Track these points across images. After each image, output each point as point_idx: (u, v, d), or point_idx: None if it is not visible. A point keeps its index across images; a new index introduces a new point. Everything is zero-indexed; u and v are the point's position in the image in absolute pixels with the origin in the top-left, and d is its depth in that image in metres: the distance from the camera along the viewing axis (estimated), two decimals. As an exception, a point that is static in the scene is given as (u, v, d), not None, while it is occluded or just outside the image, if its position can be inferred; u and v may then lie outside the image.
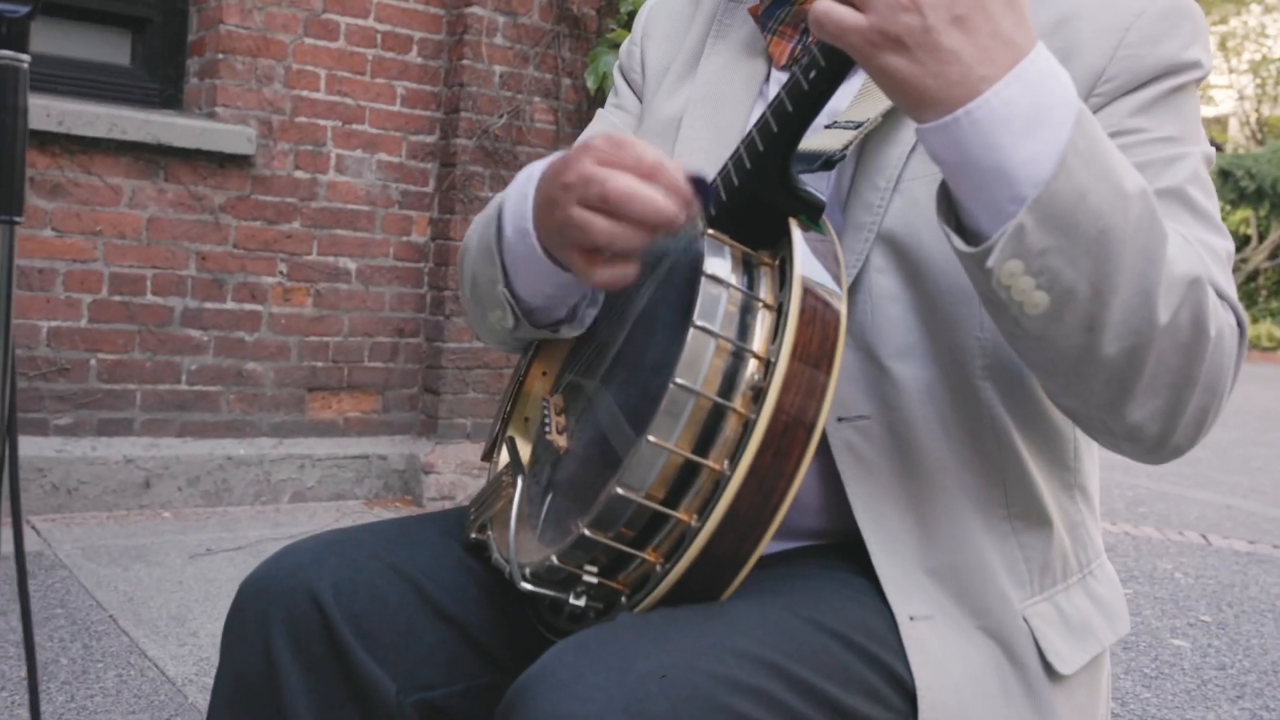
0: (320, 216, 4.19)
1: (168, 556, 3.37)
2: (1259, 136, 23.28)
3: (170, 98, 4.16)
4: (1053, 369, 0.91)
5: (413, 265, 4.41)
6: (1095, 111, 1.01)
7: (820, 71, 0.92)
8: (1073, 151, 0.82)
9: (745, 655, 0.85)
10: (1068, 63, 0.96)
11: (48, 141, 3.68)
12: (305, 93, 4.13)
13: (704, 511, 0.88)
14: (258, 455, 4.03)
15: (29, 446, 3.63)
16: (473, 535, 1.13)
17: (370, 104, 4.27)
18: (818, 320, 0.90)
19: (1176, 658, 3.29)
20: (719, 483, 0.88)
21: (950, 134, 0.83)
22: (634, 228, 0.94)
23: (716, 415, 0.88)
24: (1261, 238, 21.12)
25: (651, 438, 0.87)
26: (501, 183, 4.38)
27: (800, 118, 0.94)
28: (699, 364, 0.88)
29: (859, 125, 1.04)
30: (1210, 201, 1.01)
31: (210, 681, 2.28)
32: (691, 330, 0.88)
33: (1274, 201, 19.62)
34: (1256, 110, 23.65)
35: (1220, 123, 24.74)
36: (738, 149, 0.99)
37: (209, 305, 4.01)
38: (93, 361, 3.81)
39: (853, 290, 1.03)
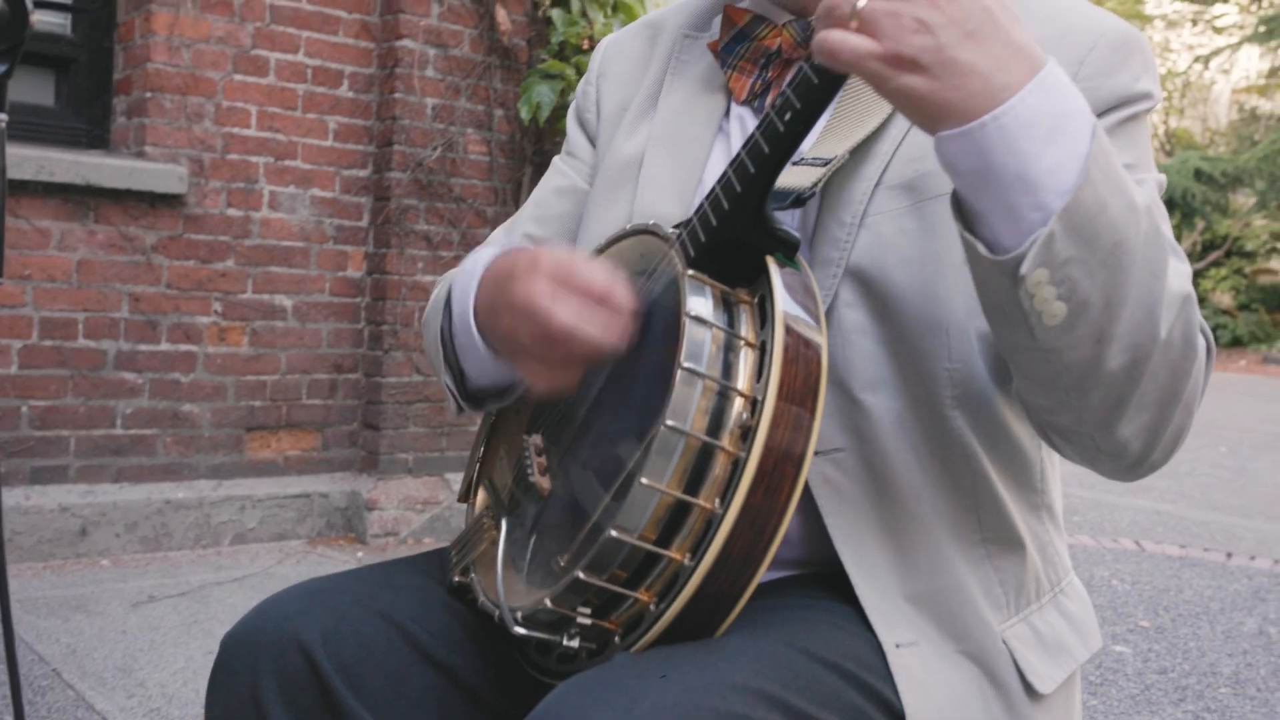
0: (254, 254, 4.15)
1: (109, 605, 3.30)
2: (1168, 148, 23.94)
3: (97, 138, 4.10)
4: (1055, 383, 0.92)
5: (349, 300, 4.38)
6: None
7: (796, 113, 0.94)
8: (1093, 162, 0.84)
9: (745, 689, 0.87)
10: None
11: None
12: (236, 130, 4.09)
13: (697, 550, 0.89)
14: (197, 498, 3.97)
15: (-40, 498, 3.54)
16: (455, 579, 1.13)
17: (302, 139, 4.24)
18: (800, 358, 0.92)
19: (1119, 664, 3.36)
20: (711, 521, 0.89)
21: (974, 140, 0.84)
22: (574, 356, 0.99)
23: (706, 455, 0.90)
24: (1174, 247, 21.66)
25: (644, 479, 0.88)
26: (436, 215, 4.38)
27: (777, 160, 0.96)
28: (687, 405, 0.89)
29: (827, 162, 1.06)
30: (1167, 226, 1.05)
31: (166, 733, 2.25)
32: (679, 372, 0.90)
33: (1184, 211, 20.16)
34: (1164, 123, 24.33)
35: (1130, 136, 25.38)
36: (713, 190, 1.01)
37: (143, 347, 3.95)
38: (24, 409, 3.73)
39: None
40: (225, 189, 4.07)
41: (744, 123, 1.21)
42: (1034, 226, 0.84)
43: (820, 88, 0.92)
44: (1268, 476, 7.09)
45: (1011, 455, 1.10)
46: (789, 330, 0.92)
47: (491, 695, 1.10)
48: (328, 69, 4.28)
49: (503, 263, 1.07)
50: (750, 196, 0.98)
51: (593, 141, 1.36)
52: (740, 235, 1.00)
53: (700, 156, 1.20)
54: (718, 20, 1.25)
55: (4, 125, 0.90)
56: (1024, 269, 0.84)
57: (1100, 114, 1.05)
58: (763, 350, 0.93)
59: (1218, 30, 22.53)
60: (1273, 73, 22.33)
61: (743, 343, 0.94)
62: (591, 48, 4.41)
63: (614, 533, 0.88)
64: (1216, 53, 21.69)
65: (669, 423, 0.88)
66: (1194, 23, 23.08)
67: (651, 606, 0.91)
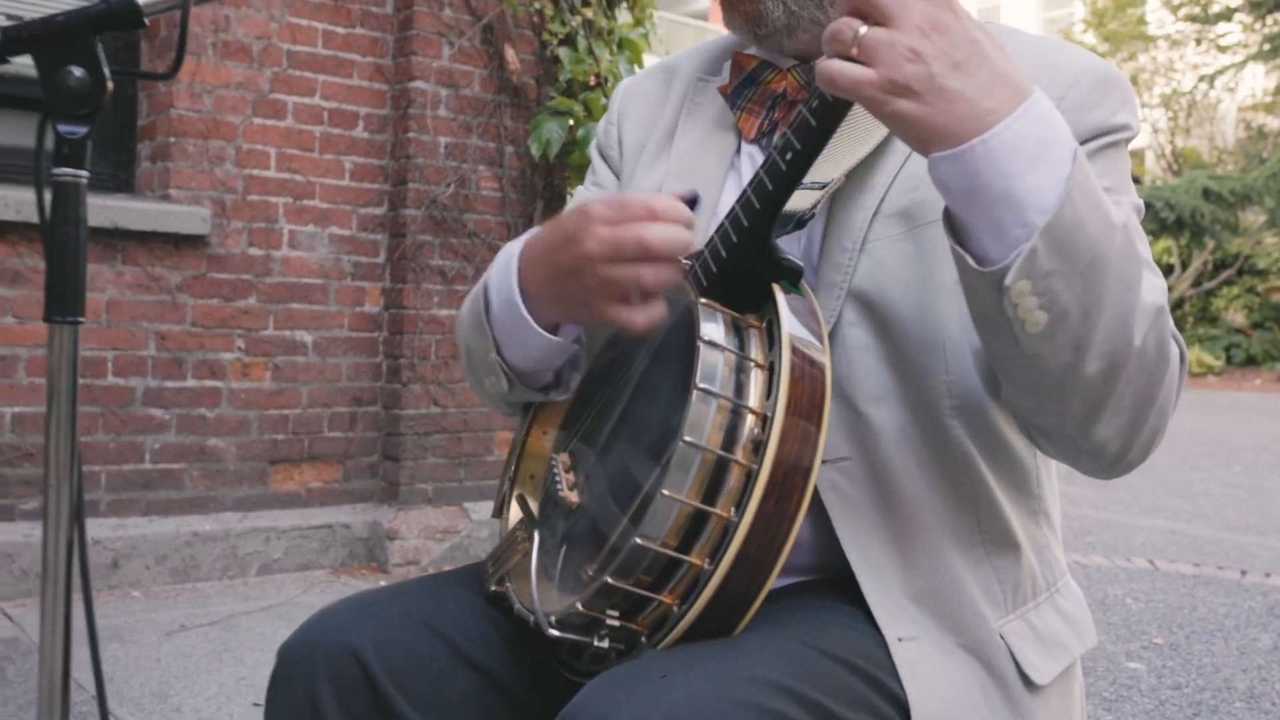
0: (275, 291, 4.26)
1: (142, 635, 3.39)
2: (1175, 168, 24.01)
3: (123, 182, 4.22)
4: (1037, 387, 1.01)
5: (368, 335, 4.48)
6: None
7: (796, 153, 1.03)
8: (1074, 184, 0.92)
9: (763, 681, 0.95)
10: None
11: (6, 230, 3.73)
12: (256, 171, 4.20)
13: (715, 555, 0.97)
14: (223, 530, 4.06)
15: (-6, 534, 3.64)
16: (492, 588, 1.21)
17: (320, 179, 4.35)
18: (806, 377, 1.01)
19: (1134, 680, 3.42)
20: (728, 528, 0.97)
21: (964, 162, 0.92)
22: (664, 268, 1.06)
23: (721, 468, 0.98)
24: (1184, 266, 21.74)
25: (665, 491, 0.96)
26: (451, 250, 4.48)
27: (780, 195, 1.05)
28: (703, 422, 0.98)
29: (824, 185, 1.15)
30: (1144, 246, 1.13)
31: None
32: (694, 392, 0.98)
33: (1194, 230, 20.21)
34: (1171, 142, 24.42)
35: (1137, 156, 25.51)
36: (722, 224, 1.10)
37: (169, 384, 4.05)
38: (55, 446, 3.82)
39: (829, 343, 1.14)
40: (246, 229, 4.18)
41: (753, 159, 1.30)
42: (1018, 241, 0.92)
43: (817, 130, 1.02)
44: (1281, 494, 7.13)
45: (1008, 462, 1.18)
46: (795, 351, 1.01)
47: (528, 696, 1.18)
48: (343, 111, 4.40)
49: (553, 230, 1.14)
50: (756, 230, 1.07)
51: (616, 174, 1.45)
52: (748, 265, 1.09)
53: (713, 191, 1.29)
54: (728, 64, 1.35)
55: (85, 181, 0.99)
56: (1008, 280, 0.92)
57: (1080, 143, 1.14)
58: (771, 370, 1.02)
59: (1222, 49, 22.64)
60: (1279, 90, 22.43)
61: (753, 364, 1.03)
62: (598, 84, 4.53)
63: (639, 540, 0.96)
64: (1221, 71, 21.80)
65: (686, 438, 0.97)
66: (1198, 42, 23.19)
67: (675, 608, 0.99)
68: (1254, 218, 21.24)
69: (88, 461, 3.89)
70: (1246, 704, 3.23)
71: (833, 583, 1.17)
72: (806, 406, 1.00)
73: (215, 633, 3.43)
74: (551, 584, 1.12)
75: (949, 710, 1.07)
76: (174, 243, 4.04)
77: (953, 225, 0.98)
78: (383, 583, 4.11)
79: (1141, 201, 1.19)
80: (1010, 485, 1.18)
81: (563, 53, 4.51)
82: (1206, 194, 19.97)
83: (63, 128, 1.00)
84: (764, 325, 1.07)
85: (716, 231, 1.12)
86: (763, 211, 1.07)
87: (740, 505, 0.97)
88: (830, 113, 1.01)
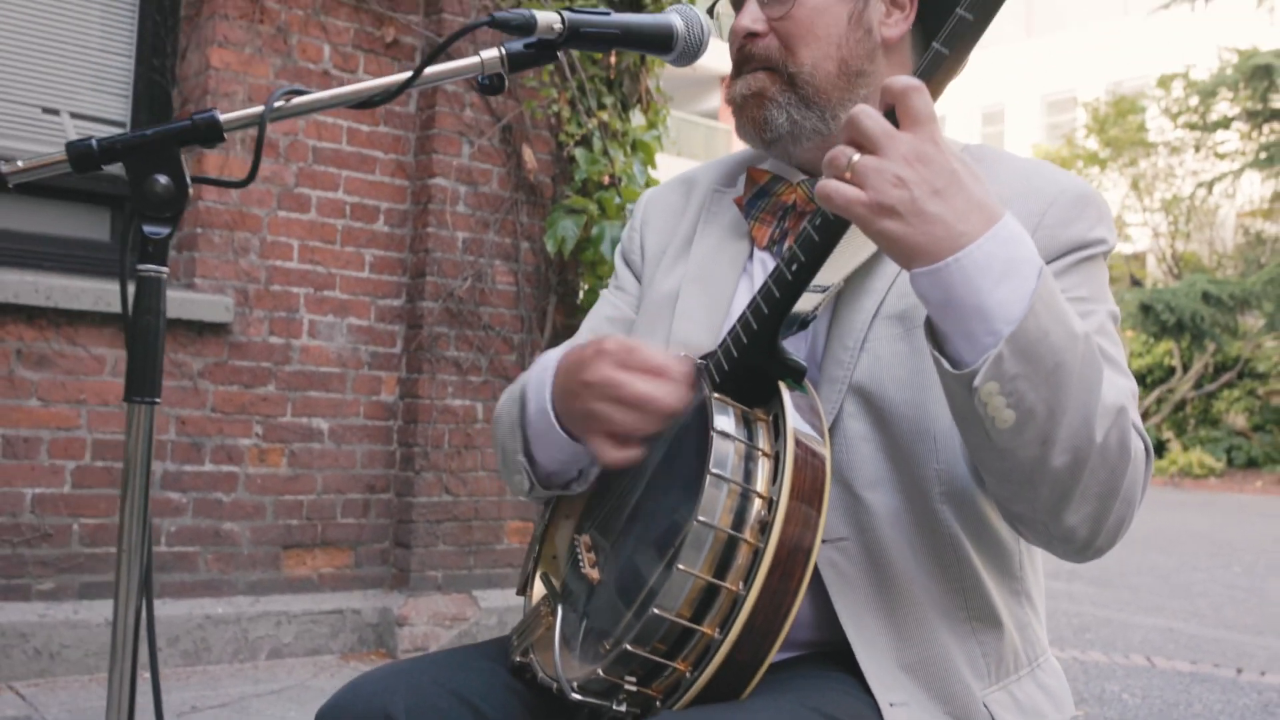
0: (294, 379, 4.38)
1: (153, 716, 3.43)
2: (1175, 271, 24.28)
3: (148, 270, 4.36)
4: (1009, 476, 1.12)
5: (382, 424, 4.59)
6: None
7: (801, 265, 1.16)
8: (1038, 298, 1.04)
9: None
10: None
11: (35, 315, 3.86)
12: (279, 262, 4.36)
13: (725, 625, 1.08)
14: (235, 613, 4.13)
15: (12, 612, 3.71)
16: (517, 659, 1.31)
17: (340, 271, 4.50)
18: (809, 466, 1.12)
19: (1130, 774, 3.45)
20: (736, 601, 1.08)
21: (940, 277, 1.05)
22: (647, 419, 1.18)
23: (731, 546, 1.09)
24: (1185, 368, 21.87)
25: (681, 566, 1.07)
26: (466, 342, 4.61)
27: (786, 303, 1.18)
28: (715, 504, 1.09)
29: (825, 289, 1.27)
30: (1117, 350, 1.25)
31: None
32: (708, 477, 1.09)
33: (1194, 333, 20.38)
34: (1171, 246, 24.72)
35: (1138, 259, 25.81)
36: (734, 327, 1.23)
37: (188, 468, 4.15)
38: (75, 526, 3.93)
39: (829, 433, 1.25)
40: (268, 318, 4.32)
41: (765, 265, 1.43)
42: (987, 348, 1.04)
43: (820, 244, 1.15)
44: (1280, 595, 7.16)
45: (993, 546, 1.29)
46: (799, 443, 1.13)
47: (547, 761, 1.27)
48: (365, 205, 4.57)
49: (574, 355, 1.28)
50: (765, 333, 1.20)
51: (638, 278, 1.58)
52: (757, 364, 1.21)
53: (727, 294, 1.42)
54: (743, 177, 1.48)
55: (165, 276, 1.12)
56: (977, 381, 1.04)
57: (1060, 255, 1.26)
58: (777, 459, 1.13)
59: (1220, 156, 23.04)
60: (1275, 197, 22.77)
61: (760, 453, 1.14)
62: (613, 184, 4.70)
63: (656, 610, 1.07)
64: (1220, 178, 22.14)
65: (700, 519, 1.08)
66: (1197, 149, 23.59)
67: (687, 674, 1.09)
68: (1253, 321, 21.43)
69: (105, 543, 3.98)
70: (1242, 802, 3.26)
71: (829, 656, 1.27)
72: (809, 492, 1.11)
73: (226, 714, 3.49)
74: (573, 654, 1.22)
75: None
76: (198, 330, 4.17)
77: (933, 332, 1.10)
78: (390, 668, 4.17)
79: (1117, 309, 1.31)
80: (995, 567, 1.29)
81: (579, 153, 4.69)
82: (1206, 297, 20.19)
83: (148, 228, 1.13)
84: (771, 418, 1.18)
85: (729, 333, 1.24)
86: (770, 316, 1.19)
87: (748, 580, 1.08)
88: (831, 229, 1.14)
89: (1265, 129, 21.80)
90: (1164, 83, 22.85)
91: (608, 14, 1.17)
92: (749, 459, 1.14)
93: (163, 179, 1.13)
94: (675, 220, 1.56)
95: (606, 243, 4.52)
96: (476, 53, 1.17)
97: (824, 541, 1.23)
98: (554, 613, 1.28)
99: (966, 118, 31.39)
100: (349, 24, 4.53)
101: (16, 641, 3.69)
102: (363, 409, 4.55)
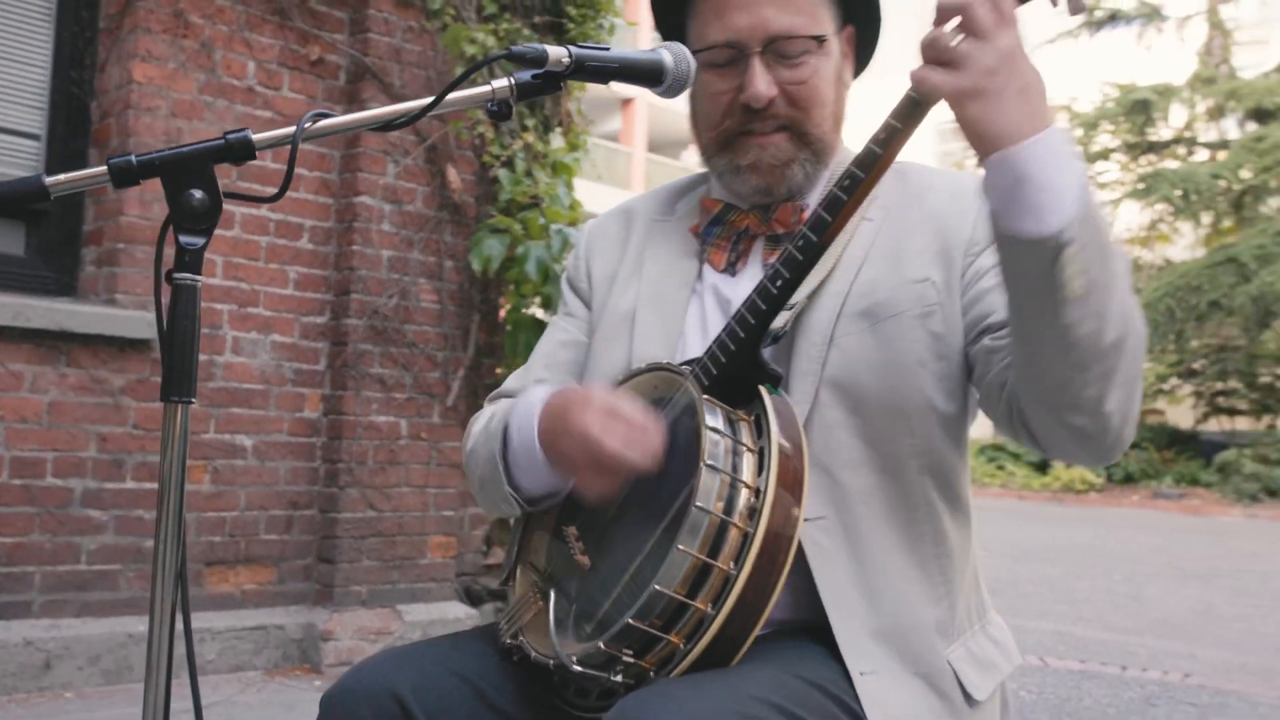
0: (217, 396, 4.39)
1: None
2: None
3: (66, 285, 4.34)
4: (1068, 356, 1.20)
5: (306, 440, 4.61)
6: (976, 259, 1.41)
7: (785, 280, 1.30)
8: (1087, 184, 1.17)
9: (759, 699, 1.18)
10: (948, 240, 1.40)
11: None
12: (203, 279, 4.35)
13: (717, 601, 1.20)
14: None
15: (-71, 632, 3.66)
16: (507, 641, 1.42)
17: (264, 288, 4.52)
18: (791, 459, 1.26)
19: (1033, 766, 3.66)
20: (728, 579, 1.20)
21: (1020, 155, 1.15)
22: (617, 478, 1.31)
23: (723, 530, 1.22)
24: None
25: (680, 546, 1.19)
26: (390, 359, 4.67)
27: (770, 314, 1.32)
28: (710, 492, 1.22)
29: (792, 307, 1.41)
30: None
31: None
32: (703, 467, 1.22)
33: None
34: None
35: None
36: (720, 336, 1.36)
37: (109, 485, 4.13)
38: (-5, 544, 3.88)
39: (808, 423, 1.38)
40: (191, 334, 4.32)
41: (717, 286, 1.55)
42: (1056, 222, 1.14)
43: (803, 262, 1.29)
44: (1157, 601, 7.56)
45: (961, 514, 1.46)
46: (782, 439, 1.26)
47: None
48: (289, 222, 4.60)
49: (559, 399, 1.39)
50: (750, 342, 1.33)
51: (587, 304, 1.69)
52: (740, 371, 1.34)
53: (680, 312, 1.55)
54: (681, 204, 1.64)
55: (199, 284, 1.20)
56: (1067, 235, 1.14)
57: (989, 247, 1.41)
58: (761, 454, 1.26)
59: (1101, 186, 23.98)
60: (1151, 225, 23.79)
61: (745, 448, 1.27)
62: (535, 204, 4.81)
63: (658, 587, 1.19)
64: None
65: (698, 504, 1.20)
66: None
67: (681, 646, 1.21)
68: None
69: (22, 562, 3.94)
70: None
71: (807, 630, 1.40)
72: (791, 483, 1.25)
73: (155, 728, 3.48)
74: (567, 634, 1.33)
75: None
76: (119, 346, 4.16)
77: (997, 226, 1.20)
78: (317, 683, 4.20)
79: None
80: (961, 533, 1.45)
81: (502, 174, 4.79)
82: (1087, 319, 20.95)
83: (183, 239, 1.21)
84: (752, 419, 1.31)
85: (715, 342, 1.37)
86: (756, 326, 1.33)
87: (739, 560, 1.20)
88: (811, 250, 1.28)
89: (1143, 160, 22.80)
90: (1048, 114, 23.70)
91: (607, 49, 1.28)
92: (735, 453, 1.26)
93: (198, 193, 1.21)
94: (620, 247, 1.68)
95: (531, 262, 4.62)
96: (482, 81, 1.28)
97: (805, 520, 1.35)
98: (544, 597, 1.39)
99: (859, 145, 32.05)
100: (274, 40, 4.57)
101: (-65, 661, 3.64)
102: (286, 425, 4.57)
